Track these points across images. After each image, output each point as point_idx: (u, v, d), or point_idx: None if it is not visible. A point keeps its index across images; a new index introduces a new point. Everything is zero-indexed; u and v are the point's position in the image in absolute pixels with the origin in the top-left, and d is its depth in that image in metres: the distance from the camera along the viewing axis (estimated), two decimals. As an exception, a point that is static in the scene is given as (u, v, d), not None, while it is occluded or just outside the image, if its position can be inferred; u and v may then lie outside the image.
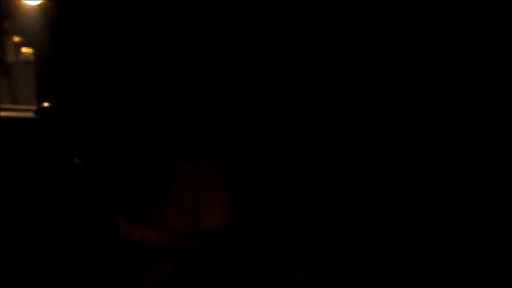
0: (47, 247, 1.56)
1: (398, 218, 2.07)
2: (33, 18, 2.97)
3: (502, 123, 1.94)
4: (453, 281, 1.98)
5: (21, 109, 1.99)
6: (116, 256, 1.69)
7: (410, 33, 2.08)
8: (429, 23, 2.06)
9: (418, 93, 2.08)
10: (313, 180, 2.15)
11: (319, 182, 2.15)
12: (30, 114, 1.78)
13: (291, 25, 2.17)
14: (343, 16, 2.13)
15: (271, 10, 2.17)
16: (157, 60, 2.18)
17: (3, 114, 1.89)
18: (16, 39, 3.80)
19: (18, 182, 1.55)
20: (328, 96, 2.17)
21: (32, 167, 1.54)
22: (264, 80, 2.19)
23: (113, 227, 1.66)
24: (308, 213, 2.10)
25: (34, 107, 1.79)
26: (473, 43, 2.00)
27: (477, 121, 2.00)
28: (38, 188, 1.56)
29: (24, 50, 3.79)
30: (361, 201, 2.10)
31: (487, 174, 1.96)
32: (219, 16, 2.20)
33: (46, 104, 1.71)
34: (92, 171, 1.77)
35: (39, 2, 3.03)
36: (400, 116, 2.11)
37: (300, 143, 2.17)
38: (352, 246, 2.07)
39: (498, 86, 1.95)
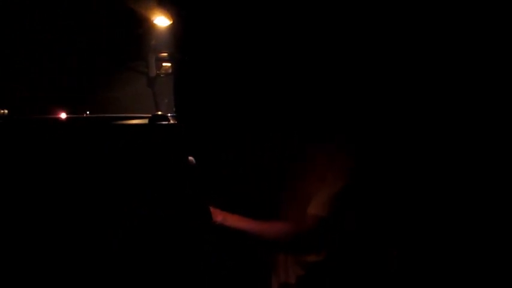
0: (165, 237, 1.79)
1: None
2: (170, 36, 3.44)
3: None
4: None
5: (138, 117, 2.26)
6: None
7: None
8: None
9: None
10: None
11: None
12: (144, 121, 2.00)
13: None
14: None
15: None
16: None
17: (123, 122, 2.15)
18: (158, 55, 4.38)
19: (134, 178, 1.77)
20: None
21: (143, 165, 1.76)
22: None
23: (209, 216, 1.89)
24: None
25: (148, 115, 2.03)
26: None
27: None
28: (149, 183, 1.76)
29: (164, 64, 4.37)
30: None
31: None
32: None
33: (159, 113, 1.95)
34: (202, 168, 2.01)
35: (169, 23, 3.49)
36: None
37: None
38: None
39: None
